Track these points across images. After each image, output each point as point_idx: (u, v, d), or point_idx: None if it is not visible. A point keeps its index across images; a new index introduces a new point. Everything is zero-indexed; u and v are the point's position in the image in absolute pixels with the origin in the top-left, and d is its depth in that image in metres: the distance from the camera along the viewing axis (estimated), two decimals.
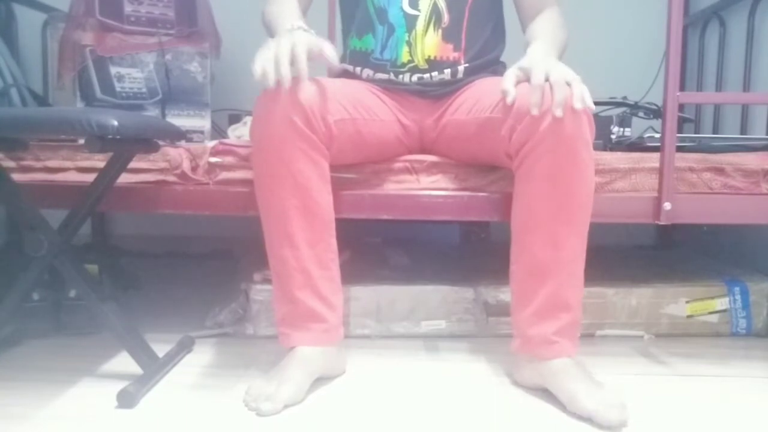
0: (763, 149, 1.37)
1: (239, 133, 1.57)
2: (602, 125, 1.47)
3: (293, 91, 1.02)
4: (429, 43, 1.22)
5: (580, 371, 1.04)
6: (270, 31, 1.19)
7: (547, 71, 1.00)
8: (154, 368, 1.11)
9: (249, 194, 1.20)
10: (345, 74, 1.30)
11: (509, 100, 1.03)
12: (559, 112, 0.97)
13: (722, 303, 1.40)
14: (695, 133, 1.70)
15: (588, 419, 0.96)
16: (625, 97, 1.57)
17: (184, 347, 1.25)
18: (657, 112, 1.53)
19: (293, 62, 0.98)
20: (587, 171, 1.03)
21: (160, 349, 1.17)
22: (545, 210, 1.04)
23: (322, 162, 1.07)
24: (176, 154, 1.27)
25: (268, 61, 0.98)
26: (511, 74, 1.06)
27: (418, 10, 1.22)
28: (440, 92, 1.26)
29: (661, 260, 1.77)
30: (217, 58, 1.70)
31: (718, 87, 1.86)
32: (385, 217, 1.23)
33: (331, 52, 1.05)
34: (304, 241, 1.07)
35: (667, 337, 1.40)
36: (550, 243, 1.04)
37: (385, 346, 1.33)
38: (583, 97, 0.98)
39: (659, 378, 1.17)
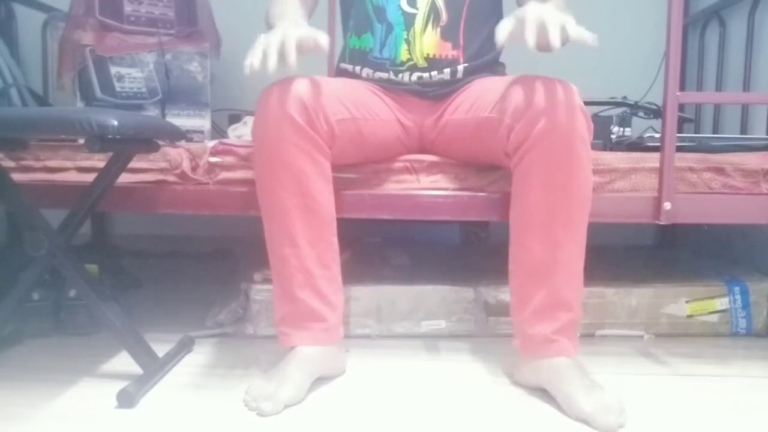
0: (763, 149, 1.37)
1: (239, 133, 1.57)
2: (602, 125, 1.47)
3: (295, 90, 1.02)
4: (427, 42, 1.22)
5: (579, 372, 1.04)
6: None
7: (540, 14, 0.96)
8: (154, 368, 1.11)
9: (249, 194, 1.20)
10: (345, 74, 1.30)
11: (499, 44, 0.99)
12: (556, 44, 0.93)
13: (722, 303, 1.40)
14: (695, 133, 1.70)
15: (584, 422, 0.96)
16: (625, 97, 1.57)
17: (184, 347, 1.25)
18: (657, 112, 1.53)
19: (283, 55, 0.97)
20: (585, 170, 1.03)
21: (160, 349, 1.17)
22: (543, 209, 1.04)
23: (323, 161, 1.07)
24: (176, 154, 1.27)
25: (256, 54, 0.97)
26: (505, 22, 1.00)
27: (416, 9, 1.22)
28: (440, 92, 1.26)
29: (661, 260, 1.77)
30: (217, 58, 1.70)
31: (718, 87, 1.86)
32: (385, 217, 1.23)
33: (324, 41, 1.00)
34: (305, 240, 1.07)
35: (667, 337, 1.40)
36: (549, 242, 1.04)
37: (385, 346, 1.33)
38: (580, 34, 0.95)
39: (659, 378, 1.17)
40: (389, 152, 1.27)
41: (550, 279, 1.05)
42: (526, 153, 1.03)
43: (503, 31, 0.98)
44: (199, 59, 1.60)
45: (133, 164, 1.23)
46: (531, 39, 0.95)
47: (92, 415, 0.97)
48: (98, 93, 1.52)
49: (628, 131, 1.50)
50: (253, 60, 0.96)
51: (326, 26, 1.75)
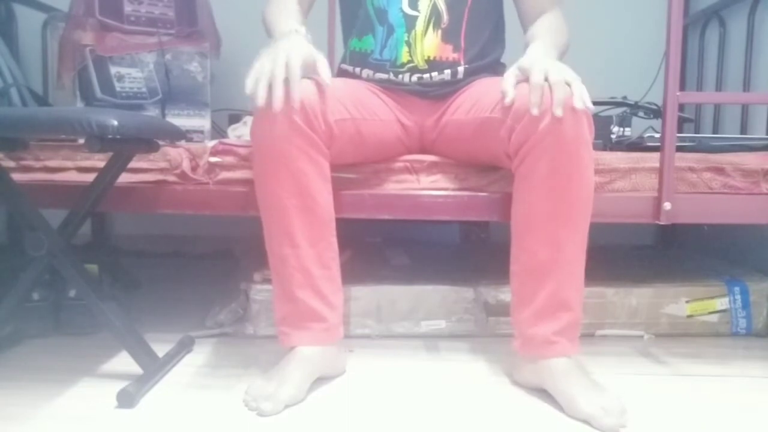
0: (763, 149, 1.37)
1: (239, 132, 1.57)
2: (602, 125, 1.47)
3: (294, 91, 1.02)
4: (428, 44, 1.22)
5: (580, 373, 1.04)
6: (269, 32, 1.19)
7: (545, 71, 1.00)
8: (154, 368, 1.11)
9: (249, 194, 1.20)
10: (345, 74, 1.30)
11: (507, 101, 1.03)
12: (558, 111, 0.97)
13: (722, 303, 1.40)
14: (695, 133, 1.70)
15: (585, 422, 0.96)
16: (625, 97, 1.57)
17: (184, 347, 1.25)
18: (657, 112, 1.53)
19: (287, 78, 0.99)
20: (587, 171, 1.03)
21: (160, 349, 1.17)
22: (545, 210, 1.04)
23: (322, 161, 1.07)
24: (176, 154, 1.27)
25: (261, 81, 0.99)
26: (510, 75, 1.06)
27: (418, 11, 1.22)
28: (440, 93, 1.26)
29: (661, 260, 1.77)
30: (217, 58, 1.70)
31: (718, 87, 1.86)
32: (385, 217, 1.23)
33: (325, 70, 1.03)
34: (305, 240, 1.07)
35: (667, 337, 1.40)
36: (550, 243, 1.04)
37: (385, 346, 1.33)
38: (582, 97, 0.98)
39: (659, 378, 1.17)
40: (389, 152, 1.27)
41: (552, 280, 1.05)
42: (528, 154, 1.03)
43: (509, 87, 1.04)
44: (199, 59, 1.60)
45: (133, 164, 1.23)
46: (536, 109, 0.99)
47: (92, 415, 0.97)
48: (98, 93, 1.52)
49: (628, 131, 1.50)
50: (258, 93, 0.98)
51: (326, 26, 1.76)
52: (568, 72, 1.01)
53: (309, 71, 1.04)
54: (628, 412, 0.97)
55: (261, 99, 0.99)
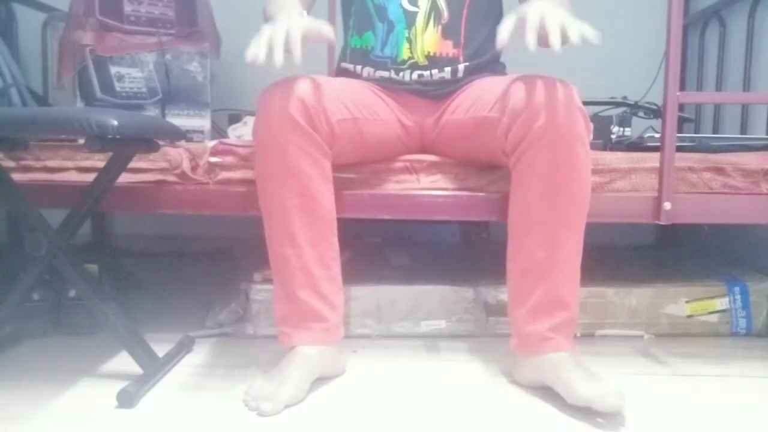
0: (763, 149, 1.37)
1: (239, 132, 1.57)
2: (602, 125, 1.47)
3: (296, 90, 1.02)
4: (428, 39, 1.22)
5: (577, 364, 1.04)
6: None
7: (542, 14, 0.96)
8: (154, 368, 1.11)
9: (249, 194, 1.20)
10: (346, 73, 1.30)
11: (498, 46, 0.99)
12: (557, 47, 0.92)
13: (722, 303, 1.40)
14: (695, 133, 1.70)
15: (586, 407, 0.96)
16: (625, 97, 1.57)
17: (184, 347, 1.25)
18: (657, 112, 1.53)
19: (288, 46, 0.96)
20: (583, 169, 1.03)
21: (160, 349, 1.17)
22: (541, 208, 1.04)
23: (324, 161, 1.07)
24: (176, 154, 1.27)
25: (261, 47, 0.95)
26: (508, 20, 1.00)
27: (417, 7, 1.22)
28: (440, 92, 1.26)
29: (661, 260, 1.77)
30: (217, 58, 1.70)
31: (718, 87, 1.86)
32: (385, 217, 1.23)
33: (330, 32, 1.01)
34: (306, 240, 1.07)
35: (667, 337, 1.40)
36: (547, 242, 1.04)
37: (385, 346, 1.33)
38: (582, 32, 0.94)
39: (659, 378, 1.17)
40: (389, 152, 1.27)
41: (548, 278, 1.05)
42: (524, 152, 1.03)
43: (505, 32, 0.98)
44: (199, 59, 1.60)
45: (133, 164, 1.23)
46: (532, 43, 0.94)
47: (92, 415, 0.97)
48: (98, 93, 1.52)
49: (628, 131, 1.50)
50: (258, 53, 0.95)
51: None
52: (564, 14, 0.97)
53: (311, 36, 1.00)
54: (626, 396, 0.97)
55: (260, 59, 0.94)
